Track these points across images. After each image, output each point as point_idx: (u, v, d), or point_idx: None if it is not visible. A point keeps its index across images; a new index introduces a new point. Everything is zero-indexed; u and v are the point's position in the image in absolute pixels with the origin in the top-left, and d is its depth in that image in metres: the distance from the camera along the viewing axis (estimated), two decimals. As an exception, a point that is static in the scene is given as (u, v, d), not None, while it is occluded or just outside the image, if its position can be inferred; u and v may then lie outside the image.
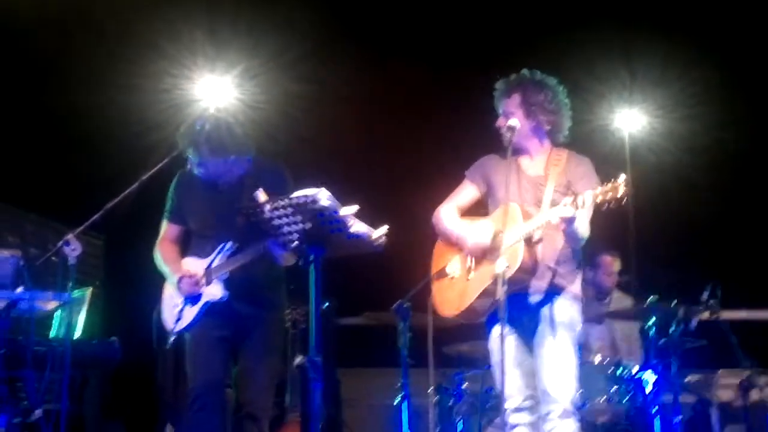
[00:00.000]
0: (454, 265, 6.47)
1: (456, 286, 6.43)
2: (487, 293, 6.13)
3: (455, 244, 6.48)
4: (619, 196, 5.71)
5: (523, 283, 6.19)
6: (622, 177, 5.76)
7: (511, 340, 6.27)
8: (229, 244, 6.86)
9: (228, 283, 6.85)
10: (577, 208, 5.78)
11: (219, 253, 6.87)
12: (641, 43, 12.69)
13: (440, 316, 6.67)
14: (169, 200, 7.20)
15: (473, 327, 6.75)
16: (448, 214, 6.59)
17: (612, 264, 9.68)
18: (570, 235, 6.09)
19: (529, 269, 6.15)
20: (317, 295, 5.79)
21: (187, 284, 6.90)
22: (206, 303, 6.88)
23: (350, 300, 10.60)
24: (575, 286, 6.38)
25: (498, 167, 6.48)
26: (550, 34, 12.27)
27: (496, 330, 6.15)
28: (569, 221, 5.89)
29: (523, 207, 6.21)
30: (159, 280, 7.21)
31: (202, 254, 6.98)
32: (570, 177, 6.30)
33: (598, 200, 5.76)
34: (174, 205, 7.19)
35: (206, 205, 7.02)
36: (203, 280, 6.86)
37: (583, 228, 6.09)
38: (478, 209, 6.64)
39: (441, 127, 12.26)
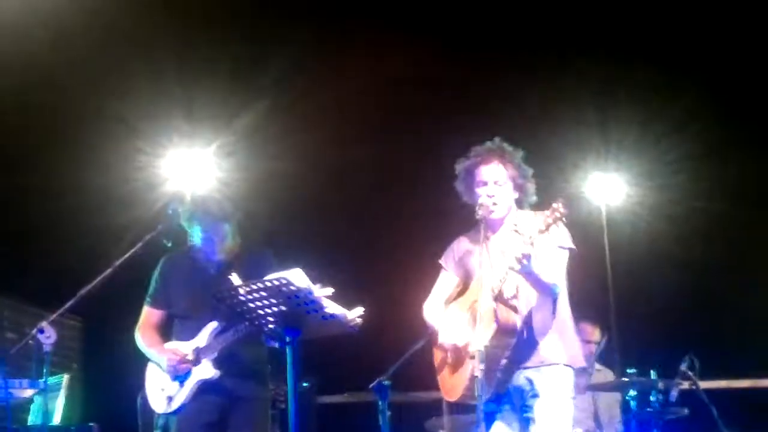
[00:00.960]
0: (450, 352, 6.41)
1: (452, 371, 6.37)
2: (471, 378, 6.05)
3: None
4: (558, 215, 5.73)
5: (507, 352, 6.09)
6: (559, 200, 5.77)
7: (498, 422, 6.22)
8: (215, 324, 6.87)
9: (216, 362, 6.84)
10: (526, 241, 5.75)
11: (208, 334, 6.88)
12: (617, 111, 12.75)
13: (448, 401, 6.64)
14: (153, 285, 7.22)
15: (456, 404, 6.72)
16: (429, 308, 6.55)
17: (591, 332, 9.63)
18: (533, 278, 6.00)
19: (508, 330, 6.06)
20: (295, 375, 5.78)
21: (175, 362, 6.89)
22: (198, 382, 6.86)
23: (330, 379, 10.57)
24: (563, 355, 6.23)
25: (469, 250, 6.44)
26: (525, 100, 12.31)
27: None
28: (526, 259, 5.81)
29: (497, 276, 6.14)
30: (139, 362, 7.19)
31: (187, 337, 6.99)
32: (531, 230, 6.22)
33: (542, 227, 5.74)
34: (157, 290, 7.20)
35: (194, 287, 7.03)
36: (191, 359, 6.86)
37: (544, 270, 6.02)
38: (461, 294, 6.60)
39: (420, 204, 12.27)
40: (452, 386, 6.31)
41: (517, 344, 6.11)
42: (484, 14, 12.37)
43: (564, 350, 6.23)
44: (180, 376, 6.90)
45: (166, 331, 7.21)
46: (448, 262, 6.58)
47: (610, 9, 12.09)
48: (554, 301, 6.21)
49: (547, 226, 5.75)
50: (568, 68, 12.54)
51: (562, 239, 6.15)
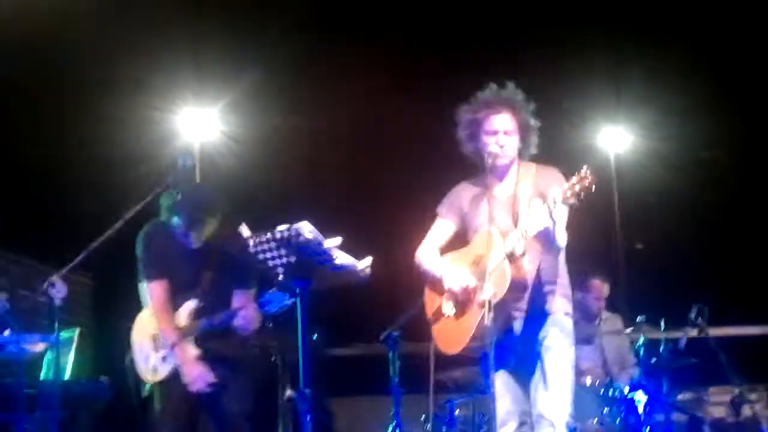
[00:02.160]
0: (447, 303, 6.39)
1: (452, 324, 6.34)
2: (481, 327, 6.04)
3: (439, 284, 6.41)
4: (587, 184, 5.69)
5: (513, 306, 6.13)
6: (585, 167, 5.73)
7: (503, 371, 6.23)
8: (193, 303, 6.86)
9: (198, 342, 6.86)
10: (549, 209, 5.73)
11: (186, 313, 6.89)
12: (626, 63, 12.72)
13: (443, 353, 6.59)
14: (144, 261, 7.08)
15: (465, 356, 6.72)
16: (426, 255, 6.44)
17: (601, 288, 9.63)
18: (546, 241, 6.01)
19: (519, 287, 6.07)
20: (304, 327, 5.80)
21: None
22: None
23: (339, 330, 10.60)
24: (565, 305, 6.28)
25: (470, 197, 6.41)
26: (535, 52, 12.28)
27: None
28: (547, 232, 5.83)
29: (501, 230, 6.12)
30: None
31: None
32: (541, 188, 6.19)
33: (568, 194, 5.72)
34: (152, 261, 7.05)
35: (179, 261, 6.97)
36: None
37: (559, 233, 6.01)
38: (456, 242, 6.56)
39: (425, 155, 12.26)
40: (453, 338, 6.29)
41: (525, 296, 6.11)
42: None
43: (565, 300, 6.28)
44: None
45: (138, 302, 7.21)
46: (446, 210, 6.50)
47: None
48: (557, 255, 6.23)
49: (574, 194, 5.72)
50: (577, 22, 12.51)
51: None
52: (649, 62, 12.71)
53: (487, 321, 5.69)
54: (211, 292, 6.83)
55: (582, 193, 5.69)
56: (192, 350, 6.83)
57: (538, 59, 12.12)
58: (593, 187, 5.66)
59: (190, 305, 6.88)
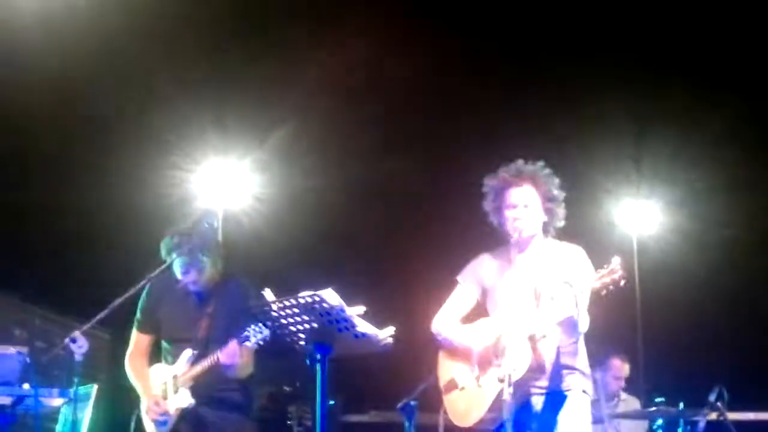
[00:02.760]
0: (462, 374, 6.37)
1: (466, 397, 6.31)
2: (497, 402, 6.01)
3: (461, 353, 6.39)
4: (616, 278, 5.69)
5: (531, 384, 6.11)
6: (616, 259, 5.72)
7: None
8: (189, 352, 6.91)
9: (193, 390, 6.90)
10: (576, 298, 5.72)
11: (184, 361, 6.94)
12: (650, 139, 12.73)
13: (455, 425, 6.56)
14: (140, 309, 7.27)
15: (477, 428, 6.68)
16: (447, 323, 6.46)
17: (621, 368, 9.61)
18: (569, 328, 6.01)
19: (536, 368, 6.05)
20: (323, 393, 5.77)
21: (155, 412, 7.01)
22: (176, 409, 6.97)
23: (356, 397, 10.56)
24: (583, 383, 6.25)
25: (491, 268, 6.41)
26: (558, 124, 12.31)
27: None
28: (570, 321, 5.83)
29: (523, 306, 6.12)
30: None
31: (170, 362, 7.09)
32: (565, 268, 6.20)
33: (597, 286, 5.72)
34: (145, 314, 7.26)
35: (174, 311, 7.13)
36: (165, 405, 6.97)
37: (582, 320, 6.00)
38: (475, 314, 6.55)
39: (452, 224, 12.26)
40: (467, 410, 6.28)
41: (542, 377, 6.13)
42: (519, 35, 12.38)
43: (583, 379, 6.25)
44: (160, 421, 7.00)
45: (156, 352, 7.28)
46: (467, 279, 6.50)
47: (646, 34, 12.08)
48: (578, 339, 6.22)
49: (603, 286, 5.73)
50: (602, 93, 12.53)
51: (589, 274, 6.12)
52: (673, 138, 12.72)
53: (506, 396, 5.66)
54: (207, 340, 6.90)
55: (611, 286, 5.70)
56: (185, 399, 6.89)
57: (561, 133, 12.15)
58: (622, 282, 5.67)
59: (187, 354, 6.94)
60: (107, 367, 10.26)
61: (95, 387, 8.66)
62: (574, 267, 6.06)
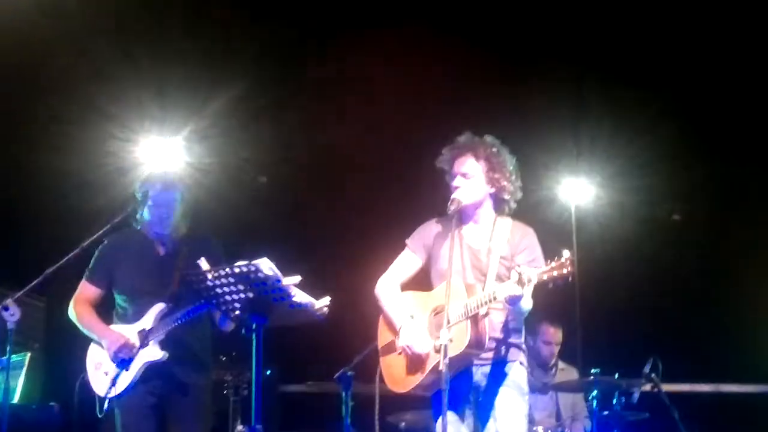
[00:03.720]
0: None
1: (403, 362, 6.33)
2: (434, 371, 6.02)
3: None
4: (564, 272, 5.72)
5: (469, 358, 6.13)
6: (566, 254, 5.76)
7: (456, 417, 6.20)
8: (162, 306, 6.84)
9: (163, 344, 6.82)
10: (522, 286, 5.76)
11: (154, 316, 6.86)
12: (589, 115, 12.76)
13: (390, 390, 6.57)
14: (94, 260, 7.17)
15: (417, 397, 6.70)
16: (387, 291, 6.47)
17: (554, 334, 9.64)
18: (514, 310, 6.06)
19: (475, 344, 6.07)
20: (258, 363, 5.77)
21: (119, 346, 6.86)
22: (144, 364, 6.83)
23: (293, 367, 10.55)
24: (520, 356, 6.32)
25: (439, 236, 6.43)
26: (497, 100, 12.30)
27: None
28: (514, 299, 5.86)
29: (466, 281, 6.15)
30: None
31: (132, 320, 6.96)
32: (514, 249, 6.25)
33: (544, 278, 5.75)
34: (98, 267, 7.16)
35: (143, 268, 7.03)
36: (136, 345, 6.83)
37: (526, 302, 6.04)
38: (419, 278, 6.57)
39: (387, 195, 12.25)
40: (402, 377, 6.31)
41: (481, 352, 6.16)
42: (460, 19, 12.36)
43: (520, 351, 6.33)
44: (124, 361, 6.86)
45: (100, 311, 7.17)
46: (415, 244, 6.53)
47: (583, 14, 12.10)
48: (520, 318, 6.28)
49: (551, 279, 5.76)
50: (540, 72, 12.54)
51: (536, 260, 6.16)
52: (612, 112, 12.76)
53: (442, 366, 5.67)
54: (179, 294, 6.78)
55: (559, 281, 5.73)
56: (156, 353, 6.80)
57: (499, 108, 12.15)
58: (570, 278, 5.71)
59: (158, 308, 6.86)
60: (42, 335, 10.19)
61: (28, 355, 8.61)
62: (523, 249, 6.11)
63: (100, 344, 7.01)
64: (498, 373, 6.21)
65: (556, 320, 9.69)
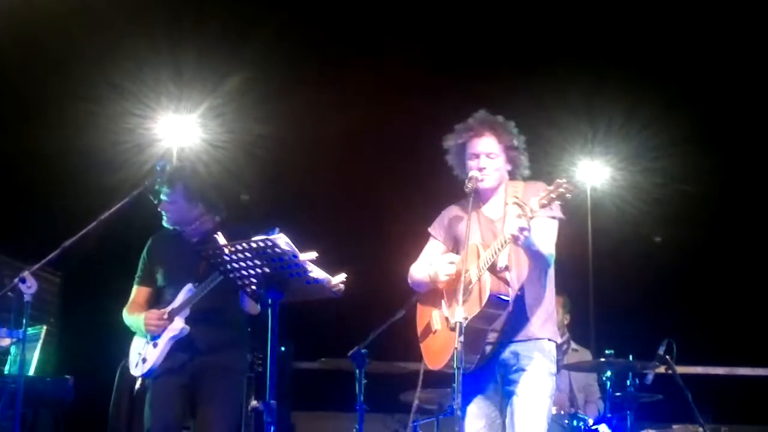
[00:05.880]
0: (435, 318, 6.37)
1: (438, 339, 6.32)
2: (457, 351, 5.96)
3: (434, 298, 6.41)
4: (562, 191, 5.67)
5: (494, 321, 6.06)
6: (562, 177, 5.73)
7: (480, 396, 6.19)
8: (189, 286, 6.89)
9: (189, 319, 6.86)
10: (527, 215, 5.71)
11: (182, 295, 6.92)
12: (604, 95, 12.76)
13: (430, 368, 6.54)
14: (140, 265, 7.29)
15: (430, 375, 6.70)
16: (417, 266, 6.51)
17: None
18: (531, 251, 5.98)
19: (500, 303, 5.93)
20: (274, 339, 5.76)
21: (151, 320, 6.93)
22: (170, 339, 6.88)
23: (308, 344, 10.59)
24: (549, 331, 6.18)
25: (459, 218, 6.42)
26: (512, 84, 12.30)
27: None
28: (527, 231, 5.78)
29: (482, 243, 6.11)
30: (116, 321, 7.22)
31: (164, 304, 7.02)
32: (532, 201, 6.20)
33: (544, 202, 5.70)
34: (144, 270, 7.27)
35: (174, 255, 7.12)
36: (166, 318, 6.89)
37: (542, 241, 5.98)
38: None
39: (404, 175, 12.28)
40: (437, 353, 6.26)
41: (507, 317, 6.04)
42: (479, 9, 12.39)
43: (550, 325, 6.23)
44: (155, 336, 6.92)
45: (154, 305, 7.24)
46: (437, 230, 6.52)
47: (599, 4, 12.11)
48: (545, 274, 6.20)
49: (550, 201, 5.71)
50: (557, 59, 12.56)
51: (552, 209, 6.11)
52: (627, 95, 12.76)
53: (457, 344, 5.65)
54: (207, 274, 6.78)
55: (558, 200, 5.69)
56: (179, 324, 6.88)
57: (515, 91, 12.15)
58: (568, 194, 5.65)
59: (186, 287, 6.92)
60: (58, 309, 10.24)
61: (44, 328, 8.65)
62: (532, 196, 6.02)
63: (139, 329, 7.07)
64: (522, 348, 6.16)
65: (564, 298, 9.63)
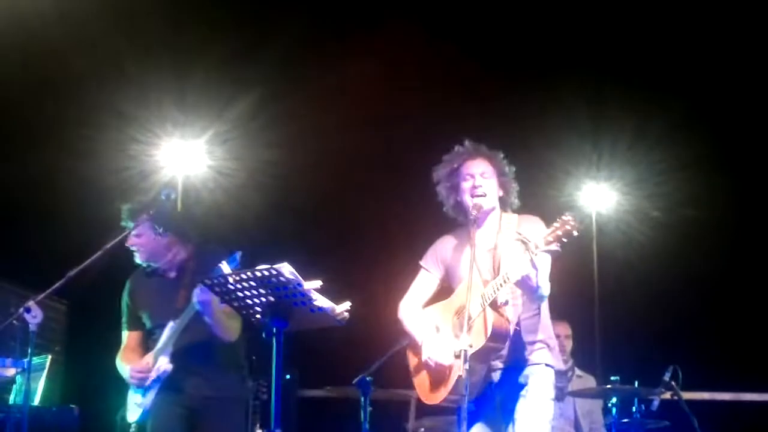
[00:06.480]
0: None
1: (432, 374, 6.34)
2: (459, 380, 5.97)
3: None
4: (568, 228, 5.67)
5: (494, 357, 6.09)
6: (568, 213, 5.72)
7: (481, 423, 6.19)
8: (171, 324, 6.87)
9: (173, 356, 6.85)
10: (532, 252, 5.71)
11: (166, 334, 6.91)
12: (609, 119, 12.78)
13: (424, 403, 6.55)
14: (124, 309, 7.23)
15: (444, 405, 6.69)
16: (409, 311, 6.47)
17: (559, 326, 9.45)
18: (532, 290, 5.99)
19: (501, 336, 6.00)
20: (279, 367, 5.75)
21: (135, 373, 6.93)
22: (155, 381, 6.87)
23: (313, 372, 10.57)
24: (547, 357, 6.20)
25: (456, 248, 6.42)
26: (517, 108, 12.32)
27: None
28: (527, 278, 5.81)
29: (482, 276, 6.12)
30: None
31: (153, 344, 7.01)
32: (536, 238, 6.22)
33: (550, 239, 5.70)
34: (129, 313, 7.22)
35: (154, 295, 7.08)
36: (150, 366, 6.89)
37: (542, 281, 5.99)
38: (441, 294, 6.55)
39: (409, 200, 12.28)
40: (433, 390, 6.29)
41: (507, 347, 6.08)
42: (483, 29, 12.41)
43: (547, 351, 6.24)
44: (145, 387, 6.92)
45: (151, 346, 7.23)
46: (429, 263, 6.51)
47: (604, 25, 12.13)
48: (540, 306, 6.22)
49: (556, 239, 5.71)
50: (561, 80, 12.57)
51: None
52: (633, 119, 12.77)
53: (462, 372, 5.65)
54: (183, 309, 6.79)
55: (564, 238, 5.68)
56: (163, 363, 6.84)
57: (521, 115, 12.17)
58: (575, 232, 5.65)
59: (169, 326, 6.88)
60: (63, 337, 10.24)
61: (49, 358, 8.64)
62: (530, 232, 6.04)
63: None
64: (520, 377, 6.17)
65: (556, 316, 9.59)
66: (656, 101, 12.60)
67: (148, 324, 7.11)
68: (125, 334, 7.22)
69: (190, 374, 6.88)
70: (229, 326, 6.82)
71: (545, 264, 6.03)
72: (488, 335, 5.91)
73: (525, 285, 5.93)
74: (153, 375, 6.87)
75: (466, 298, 5.88)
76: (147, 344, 7.11)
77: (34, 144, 11.58)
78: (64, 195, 11.42)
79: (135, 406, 7.00)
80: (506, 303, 6.01)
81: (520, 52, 12.61)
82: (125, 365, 7.04)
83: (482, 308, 5.93)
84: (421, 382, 6.39)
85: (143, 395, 6.93)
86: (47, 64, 11.22)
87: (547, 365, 6.21)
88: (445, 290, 6.48)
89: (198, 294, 6.61)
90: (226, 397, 6.99)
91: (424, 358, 6.23)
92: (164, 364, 6.84)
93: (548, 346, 6.25)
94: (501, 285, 5.90)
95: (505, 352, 6.09)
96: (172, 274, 7.06)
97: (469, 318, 5.79)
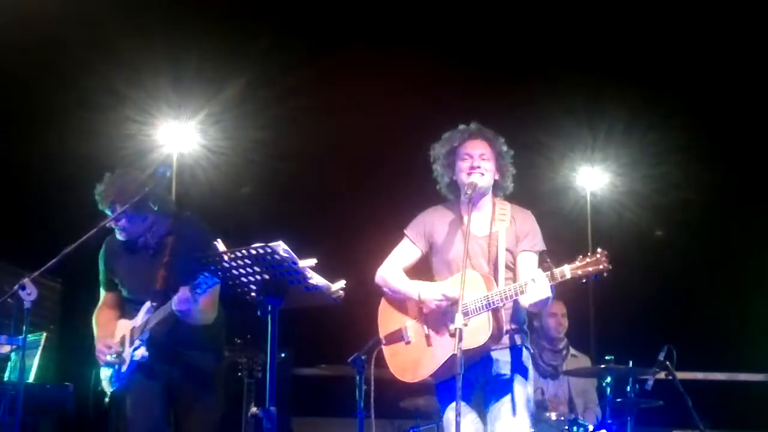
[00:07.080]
0: (411, 330, 6.38)
1: (413, 353, 6.34)
2: (452, 358, 5.99)
3: (408, 307, 6.42)
4: (601, 267, 5.70)
5: (487, 350, 6.14)
6: (603, 252, 5.74)
7: (464, 403, 6.21)
8: (148, 304, 6.89)
9: (149, 343, 6.87)
10: (554, 281, 5.76)
11: (142, 314, 6.92)
12: (605, 102, 12.78)
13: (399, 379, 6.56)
14: (101, 269, 7.32)
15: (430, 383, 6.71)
16: (394, 274, 6.49)
17: (554, 305, 9.46)
18: (534, 306, 6.05)
19: (496, 336, 6.10)
20: (273, 345, 5.75)
21: (101, 353, 7.02)
22: (132, 363, 6.92)
23: (307, 350, 10.58)
24: (525, 339, 6.32)
25: (441, 224, 6.42)
26: (513, 92, 12.32)
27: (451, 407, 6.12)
28: (543, 302, 5.88)
29: (482, 272, 6.14)
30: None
31: (132, 315, 7.07)
32: (517, 233, 6.26)
33: (579, 273, 5.73)
34: (105, 276, 7.30)
35: (131, 268, 7.13)
36: (119, 347, 6.90)
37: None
38: (419, 267, 6.56)
39: (403, 180, 12.27)
40: (413, 366, 6.33)
41: (497, 342, 6.17)
42: (478, 17, 12.42)
43: (526, 334, 6.35)
44: (110, 363, 6.97)
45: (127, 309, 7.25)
46: (414, 232, 6.52)
47: (600, 12, 12.14)
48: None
49: (586, 274, 5.73)
50: (558, 63, 12.58)
51: (538, 243, 6.20)
52: (628, 102, 12.78)
53: (456, 350, 5.67)
54: (165, 291, 6.84)
55: (593, 276, 5.71)
56: (139, 351, 6.86)
57: (517, 99, 12.17)
58: (605, 273, 5.69)
59: (146, 306, 6.94)
60: (58, 315, 10.24)
61: (44, 335, 8.65)
62: (525, 234, 6.09)
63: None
64: (508, 359, 6.22)
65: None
66: (651, 86, 12.64)
67: (124, 293, 7.18)
68: (103, 293, 7.32)
69: (166, 355, 6.92)
70: (207, 318, 6.85)
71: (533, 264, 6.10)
72: (488, 336, 6.01)
73: (534, 305, 5.99)
74: (127, 360, 6.89)
75: (461, 288, 5.87)
76: (124, 307, 7.18)
77: (29, 124, 11.58)
78: (60, 173, 11.41)
79: (107, 381, 7.06)
80: (503, 307, 6.06)
81: (518, 39, 12.61)
82: (97, 328, 7.16)
83: (483, 310, 5.96)
84: (396, 354, 6.40)
85: (114, 373, 6.96)
86: (43, 46, 11.21)
87: (526, 347, 6.30)
88: (423, 263, 6.47)
89: (177, 303, 6.63)
90: (204, 372, 7.01)
91: (430, 302, 6.19)
92: (140, 351, 6.87)
93: (526, 331, 6.37)
94: (510, 297, 5.93)
95: (495, 345, 6.18)
96: (151, 251, 7.07)
97: (464, 312, 5.81)
